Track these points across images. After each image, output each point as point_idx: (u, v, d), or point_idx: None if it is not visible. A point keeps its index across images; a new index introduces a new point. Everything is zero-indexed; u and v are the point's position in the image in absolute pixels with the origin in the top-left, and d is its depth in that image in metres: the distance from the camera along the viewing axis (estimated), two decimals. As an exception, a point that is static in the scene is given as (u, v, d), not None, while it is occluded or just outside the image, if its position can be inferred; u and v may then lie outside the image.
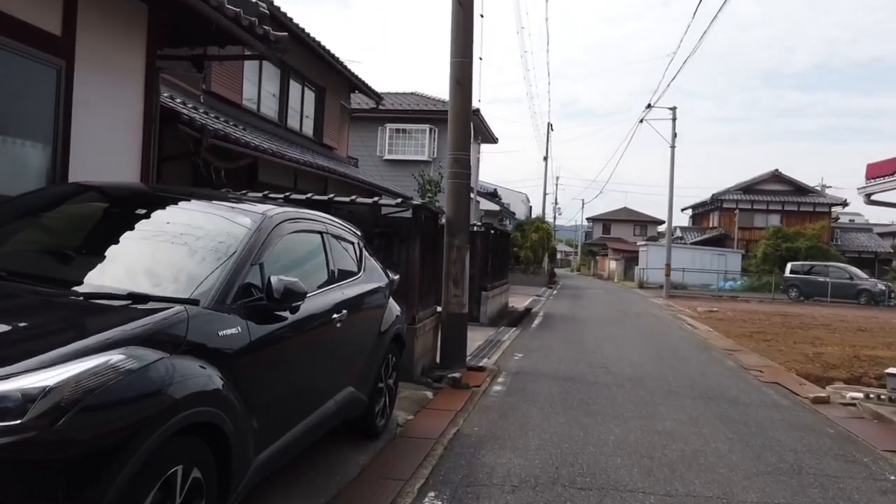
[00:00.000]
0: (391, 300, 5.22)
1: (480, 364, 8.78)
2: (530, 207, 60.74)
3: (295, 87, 14.76)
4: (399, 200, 7.22)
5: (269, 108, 13.72)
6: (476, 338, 11.29)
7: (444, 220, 8.50)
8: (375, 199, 7.34)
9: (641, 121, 27.98)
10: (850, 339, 14.24)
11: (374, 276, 4.76)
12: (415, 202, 7.22)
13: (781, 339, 13.73)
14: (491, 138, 29.10)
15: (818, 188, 48.39)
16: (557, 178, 71.62)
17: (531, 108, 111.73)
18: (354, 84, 17.46)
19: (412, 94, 27.41)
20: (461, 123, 8.40)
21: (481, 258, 13.54)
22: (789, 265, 31.07)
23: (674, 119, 27.80)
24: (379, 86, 20.03)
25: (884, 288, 28.16)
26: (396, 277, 5.55)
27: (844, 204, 46.91)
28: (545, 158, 50.86)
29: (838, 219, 50.39)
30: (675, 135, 27.84)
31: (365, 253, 4.79)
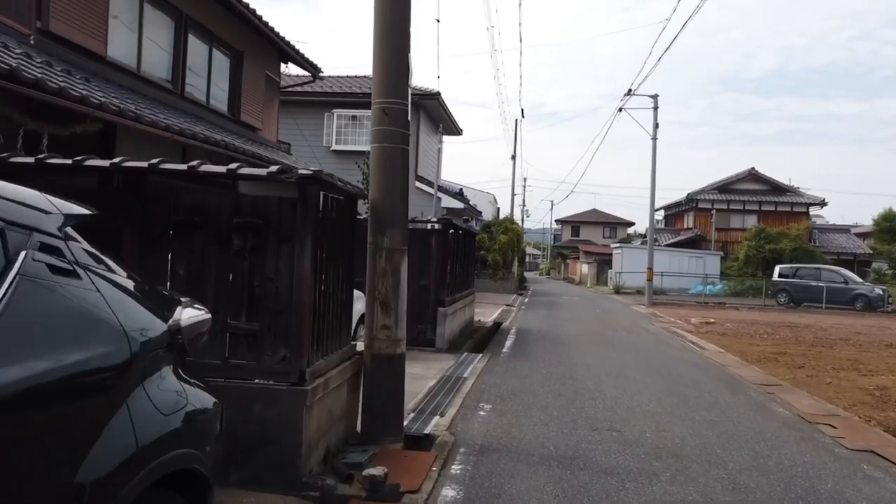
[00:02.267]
0: (170, 382, 2.08)
1: (427, 430, 5.68)
2: (498, 209, 57.99)
3: (198, 47, 11.50)
4: (275, 169, 4.11)
5: (157, 69, 10.43)
6: (428, 374, 8.21)
7: (367, 210, 5.39)
8: (234, 165, 4.19)
9: (620, 109, 25.27)
10: (893, 361, 11.56)
11: (58, 330, 1.62)
12: (303, 171, 4.11)
13: (813, 363, 10.96)
14: (454, 129, 26.11)
15: (796, 187, 46.62)
16: (525, 179, 69.28)
17: (498, 94, 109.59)
18: (285, 52, 14.24)
19: (364, 77, 24.23)
20: (393, 54, 5.30)
21: (439, 264, 10.49)
22: (778, 268, 28.74)
23: (655, 108, 25.15)
24: (332, 71, 16.92)
25: (881, 293, 25.95)
26: (197, 317, 2.41)
27: (823, 203, 45.27)
28: (513, 157, 48.18)
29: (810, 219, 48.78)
30: (656, 125, 25.19)
31: (24, 264, 1.65)
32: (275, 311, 4.19)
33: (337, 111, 21.91)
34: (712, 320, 18.01)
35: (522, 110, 47.16)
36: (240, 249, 4.24)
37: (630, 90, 23.63)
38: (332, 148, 21.85)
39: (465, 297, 12.70)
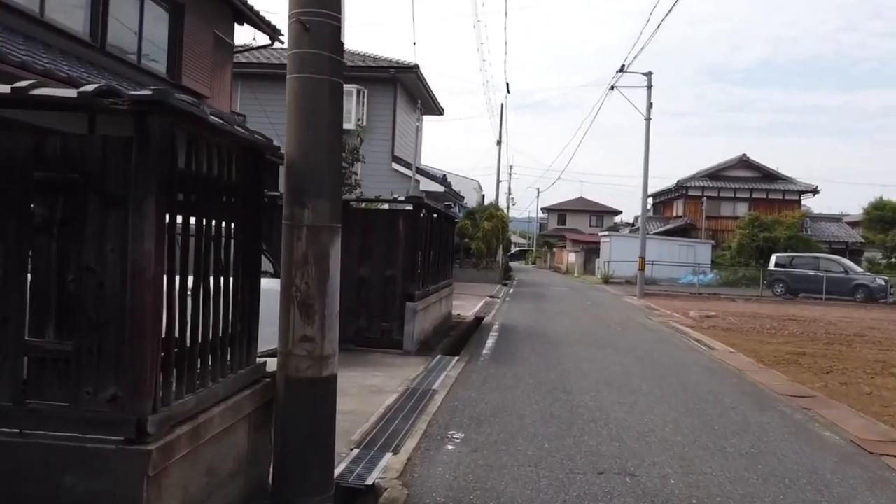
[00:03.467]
0: None
1: (370, 479, 4.11)
2: (483, 196, 56.51)
3: (125, -7, 9.74)
4: (90, 88, 2.51)
5: (69, 16, 8.69)
6: (388, 386, 6.65)
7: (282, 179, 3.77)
8: (25, 83, 2.58)
9: (612, 87, 23.74)
10: (926, 362, 10.17)
11: None
12: (139, 92, 2.51)
13: (840, 365, 9.54)
14: (435, 107, 24.43)
15: (787, 175, 45.46)
16: (511, 166, 67.89)
17: (482, 70, 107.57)
18: (237, 8, 12.50)
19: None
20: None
21: (408, 251, 8.87)
22: (774, 257, 27.46)
23: (649, 87, 23.62)
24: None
25: (883, 283, 24.75)
26: None
27: (815, 192, 44.19)
28: (499, 142, 46.74)
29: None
30: (650, 104, 23.68)
31: None
32: (99, 321, 2.58)
33: (306, 85, 20.13)
34: (713, 314, 16.60)
35: (508, 84, 43.92)
36: (45, 222, 2.62)
37: (623, 66, 22.10)
38: (301, 126, 20.10)
39: (440, 289, 11.13)
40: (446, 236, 12.19)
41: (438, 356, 8.68)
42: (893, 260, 36.64)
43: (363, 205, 9.37)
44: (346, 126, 18.51)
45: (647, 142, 23.75)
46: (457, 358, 8.66)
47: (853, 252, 42.14)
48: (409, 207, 8.98)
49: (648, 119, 23.67)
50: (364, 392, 6.34)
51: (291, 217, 3.64)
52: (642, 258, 23.91)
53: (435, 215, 10.68)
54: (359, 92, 19.98)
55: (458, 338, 10.74)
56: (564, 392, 6.84)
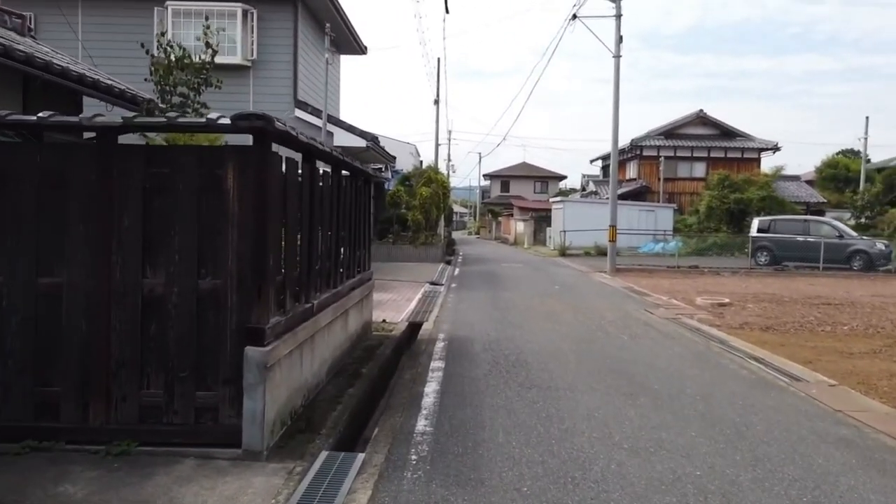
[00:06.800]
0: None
1: None
2: (421, 161, 51.68)
3: None
4: None
5: None
6: None
7: None
8: None
9: (574, 17, 19.24)
10: None
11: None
12: None
13: None
14: (355, 44, 19.36)
15: (746, 132, 42.48)
16: (450, 131, 63.11)
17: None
18: None
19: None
20: None
21: (250, 236, 4.10)
22: (757, 221, 23.88)
23: (618, 16, 19.23)
24: None
25: (883, 248, 21.47)
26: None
27: (776, 149, 41.40)
28: (436, 102, 41.77)
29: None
30: (619, 38, 19.30)
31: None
32: None
33: (172, 4, 14.78)
34: (725, 300, 12.54)
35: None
36: None
37: (590, -14, 17.54)
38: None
39: (345, 294, 6.45)
40: (357, 204, 7.48)
41: (323, 455, 4.06)
42: (863, 220, 34.08)
43: (146, 139, 4.56)
44: (231, 61, 13.34)
45: (616, 84, 19.45)
46: (361, 460, 4.07)
47: (814, 213, 39.61)
48: (254, 144, 4.20)
49: (618, 56, 19.33)
50: None
51: None
52: (613, 227, 19.81)
53: (325, 167, 5.96)
54: (245, 13, 14.77)
55: (375, 381, 6.12)
56: None
